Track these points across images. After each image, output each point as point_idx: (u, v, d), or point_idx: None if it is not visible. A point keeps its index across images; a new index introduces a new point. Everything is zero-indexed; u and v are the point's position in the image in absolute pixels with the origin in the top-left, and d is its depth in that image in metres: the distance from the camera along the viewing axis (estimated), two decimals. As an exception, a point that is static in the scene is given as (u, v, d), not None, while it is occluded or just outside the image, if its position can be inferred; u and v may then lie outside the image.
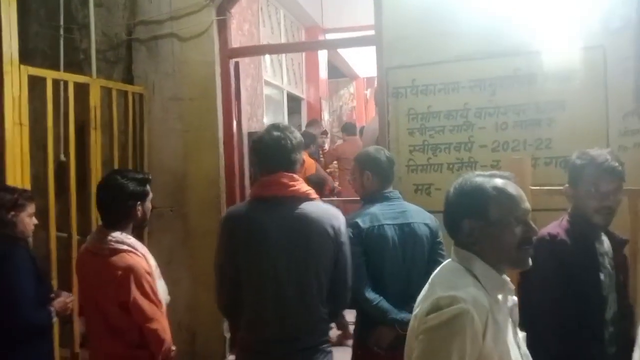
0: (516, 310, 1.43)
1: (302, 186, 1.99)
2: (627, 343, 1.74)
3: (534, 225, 1.38)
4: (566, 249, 1.88)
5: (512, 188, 1.38)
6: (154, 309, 2.09)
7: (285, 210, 1.94)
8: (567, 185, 2.03)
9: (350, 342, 2.95)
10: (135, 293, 2.04)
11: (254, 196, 2.04)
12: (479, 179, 1.40)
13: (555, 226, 1.97)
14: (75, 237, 3.19)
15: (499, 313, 1.32)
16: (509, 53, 3.03)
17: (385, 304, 2.20)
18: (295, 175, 1.99)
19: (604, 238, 1.98)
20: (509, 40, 3.01)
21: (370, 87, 10.63)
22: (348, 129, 6.37)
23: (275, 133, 1.98)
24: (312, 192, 2.01)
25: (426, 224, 2.33)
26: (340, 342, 3.85)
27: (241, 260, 1.96)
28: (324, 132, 7.06)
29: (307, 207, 1.96)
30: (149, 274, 2.12)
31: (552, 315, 1.84)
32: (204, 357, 3.71)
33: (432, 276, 1.44)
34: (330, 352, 2.02)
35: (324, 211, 1.99)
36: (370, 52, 3.47)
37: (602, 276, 1.90)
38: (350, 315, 4.45)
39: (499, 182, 1.39)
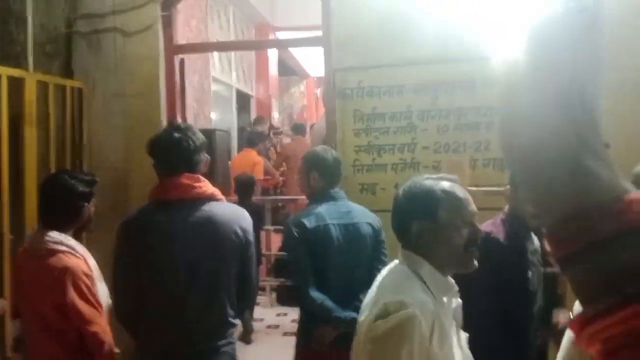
0: (460, 312, 1.46)
1: (207, 187, 1.95)
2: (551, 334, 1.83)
3: (479, 227, 1.41)
4: (498, 246, 1.96)
5: (460, 191, 1.41)
6: (93, 311, 2.03)
7: (189, 212, 1.89)
8: (507, 186, 2.11)
9: (252, 338, 2.92)
10: (72, 295, 1.98)
11: (154, 199, 1.97)
12: (427, 182, 1.42)
13: (489, 224, 2.05)
14: (7, 237, 3.04)
15: (444, 316, 1.35)
16: (452, 59, 3.11)
17: (329, 303, 2.22)
18: (200, 176, 1.95)
19: (533, 235, 2.08)
20: (454, 47, 3.08)
21: (321, 86, 10.69)
22: (297, 128, 6.42)
23: (176, 134, 1.93)
24: (218, 193, 1.98)
25: (369, 224, 2.37)
26: (243, 339, 3.84)
27: (143, 267, 1.90)
28: (277, 131, 7.03)
29: (213, 209, 1.93)
30: (88, 275, 2.06)
31: (487, 311, 1.91)
32: None
33: (379, 279, 1.45)
34: (234, 352, 2.01)
35: (231, 212, 1.98)
36: (321, 51, 3.49)
37: (529, 274, 1.99)
38: (295, 313, 4.49)
39: (446, 185, 1.41)
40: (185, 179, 1.91)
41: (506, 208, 2.12)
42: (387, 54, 3.20)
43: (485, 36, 3.06)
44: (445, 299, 1.39)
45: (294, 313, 4.49)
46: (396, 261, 1.46)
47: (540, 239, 2.09)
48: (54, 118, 3.42)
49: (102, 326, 2.06)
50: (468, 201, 1.41)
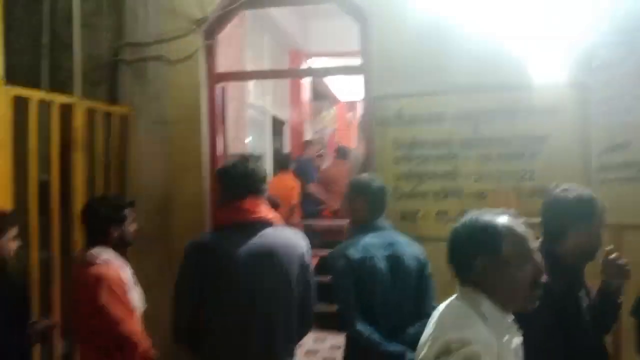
0: (520, 351, 1.42)
1: (268, 212, 2.03)
2: None
3: (541, 264, 1.37)
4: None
5: (521, 226, 1.38)
6: (125, 313, 2.22)
7: (252, 237, 1.95)
8: None
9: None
10: (104, 299, 2.19)
11: (219, 222, 2.09)
12: (488, 216, 1.39)
13: None
14: (57, 258, 3.11)
15: (506, 355, 1.31)
16: (494, 88, 3.11)
17: (376, 336, 2.19)
18: (262, 202, 2.04)
19: None
20: (495, 75, 3.08)
21: (351, 110, 10.75)
22: (341, 152, 6.35)
23: (250, 164, 2.05)
24: (278, 218, 2.06)
25: (416, 256, 2.34)
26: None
27: (207, 290, 1.95)
28: (320, 153, 7.00)
29: (274, 234, 1.99)
30: (121, 282, 2.27)
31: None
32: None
33: (437, 315, 1.41)
34: None
35: (291, 237, 2.04)
36: (353, 78, 3.51)
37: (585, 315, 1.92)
38: (333, 339, 4.43)
39: (507, 219, 1.38)
40: (247, 204, 1.98)
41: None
42: (427, 81, 3.21)
43: (526, 64, 3.07)
44: (506, 338, 1.35)
45: (332, 339, 4.46)
46: (453, 297, 1.43)
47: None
48: (101, 144, 3.51)
49: (135, 328, 2.26)
50: (530, 236, 1.38)
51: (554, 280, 1.66)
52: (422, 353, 1.35)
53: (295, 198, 5.64)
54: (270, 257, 1.94)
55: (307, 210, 5.87)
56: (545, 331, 1.68)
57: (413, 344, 1.46)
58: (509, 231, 1.35)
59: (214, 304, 1.95)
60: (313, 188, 5.99)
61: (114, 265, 2.31)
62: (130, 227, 2.46)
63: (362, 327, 2.20)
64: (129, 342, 2.22)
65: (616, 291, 1.94)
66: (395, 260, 2.30)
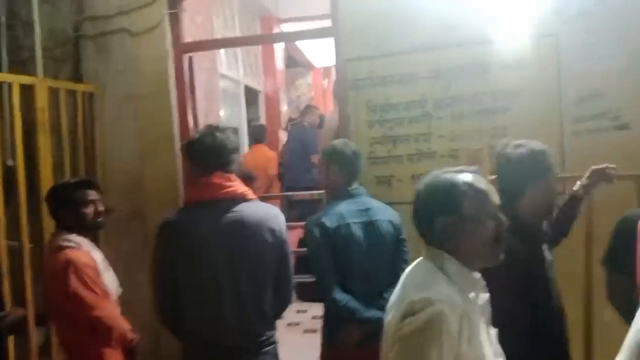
0: (488, 307, 1.43)
1: (239, 186, 1.97)
2: None
3: (504, 219, 1.38)
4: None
5: (483, 183, 1.38)
6: (96, 297, 2.19)
7: (223, 214, 1.90)
8: None
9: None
10: (74, 284, 2.16)
11: (189, 200, 2.02)
12: (448, 175, 1.39)
13: None
14: (27, 246, 3.05)
15: (472, 312, 1.32)
16: (464, 43, 3.05)
17: (353, 303, 2.20)
18: (232, 176, 1.96)
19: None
20: (465, 30, 3.03)
21: (327, 77, 10.62)
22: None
23: (217, 134, 1.96)
24: (250, 193, 1.99)
25: (390, 221, 2.34)
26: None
27: (180, 270, 1.92)
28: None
29: (246, 209, 1.94)
30: (90, 266, 2.24)
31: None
32: (168, 357, 3.64)
33: (403, 277, 1.42)
34: (276, 352, 2.03)
35: (264, 211, 1.98)
36: (327, 42, 3.44)
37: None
38: (315, 309, 4.47)
39: (468, 177, 1.38)
40: (217, 179, 1.92)
41: None
42: (397, 41, 3.14)
43: (496, 17, 3.03)
44: (472, 295, 1.36)
45: (313, 309, 4.49)
46: (420, 258, 1.44)
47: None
48: (66, 123, 3.41)
49: (108, 311, 2.24)
50: (492, 192, 1.38)
51: (516, 239, 1.67)
52: (390, 316, 1.36)
53: (273, 169, 5.60)
54: (241, 233, 1.90)
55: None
56: (511, 291, 1.69)
57: (389, 308, 1.46)
58: (469, 188, 1.36)
59: (187, 283, 1.93)
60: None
61: (82, 250, 2.28)
62: (89, 209, 2.36)
63: (339, 295, 2.21)
64: (103, 326, 2.21)
65: (583, 196, 2.06)
66: (370, 226, 2.30)
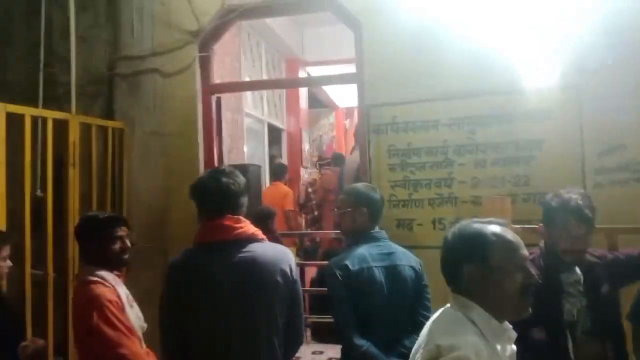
0: (514, 359, 1.42)
1: (248, 227, 1.95)
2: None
3: (533, 272, 1.38)
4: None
5: (510, 234, 1.39)
6: (119, 335, 2.13)
7: (234, 254, 1.89)
8: (541, 224, 2.09)
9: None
10: (97, 320, 2.11)
11: (198, 242, 1.97)
12: (477, 225, 1.40)
13: None
14: (51, 275, 3.11)
15: None
16: (487, 92, 3.11)
17: (373, 350, 2.16)
18: (241, 217, 1.95)
19: (576, 268, 2.05)
20: (488, 80, 3.09)
21: (349, 117, 10.75)
22: (337, 160, 6.34)
23: (223, 179, 1.95)
24: (259, 233, 1.98)
25: (412, 267, 2.32)
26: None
27: (189, 312, 1.90)
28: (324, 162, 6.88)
29: (256, 250, 1.92)
30: (113, 302, 2.18)
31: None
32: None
33: (429, 323, 1.42)
34: None
35: (273, 251, 1.96)
36: (351, 86, 3.51)
37: (566, 304, 2.00)
38: (331, 351, 4.41)
39: (497, 228, 1.39)
40: (227, 221, 1.92)
41: (541, 243, 2.12)
42: (420, 88, 3.22)
43: (518, 68, 3.07)
44: (499, 346, 1.35)
45: (329, 351, 4.43)
46: (447, 305, 1.43)
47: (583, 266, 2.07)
48: (96, 158, 3.51)
49: (131, 348, 2.15)
50: (519, 245, 1.38)
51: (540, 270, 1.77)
52: (415, 358, 1.35)
53: (289, 205, 5.65)
54: (252, 273, 1.88)
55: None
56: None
57: (409, 355, 1.46)
58: (497, 239, 1.37)
59: (197, 325, 1.90)
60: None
61: (107, 285, 2.24)
62: (117, 245, 2.34)
63: (358, 341, 2.17)
64: None
65: None
66: (392, 271, 2.28)
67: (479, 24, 3.12)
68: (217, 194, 1.93)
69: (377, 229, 2.40)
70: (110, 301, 2.17)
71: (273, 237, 4.26)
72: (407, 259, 2.35)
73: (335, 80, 3.71)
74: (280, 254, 1.97)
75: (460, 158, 3.16)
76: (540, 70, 3.03)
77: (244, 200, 1.98)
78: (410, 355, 1.41)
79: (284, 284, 1.92)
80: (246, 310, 1.87)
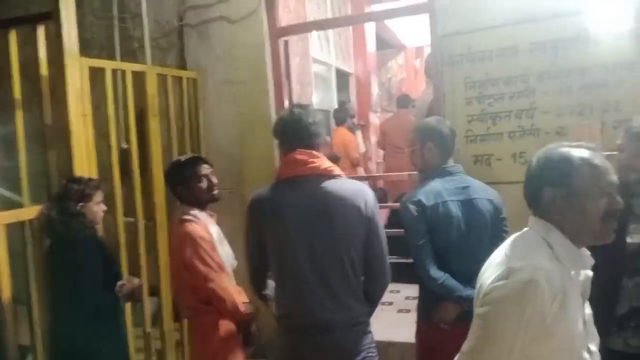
0: (588, 285, 1.38)
1: (322, 162, 1.90)
2: None
3: (619, 199, 1.31)
4: None
5: (599, 159, 1.32)
6: (208, 270, 2.27)
7: (307, 191, 1.87)
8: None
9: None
10: (190, 256, 2.26)
11: (277, 177, 1.98)
12: (564, 149, 1.35)
13: None
14: (141, 222, 3.30)
15: (570, 288, 1.28)
16: (571, 12, 2.86)
17: (451, 282, 2.15)
18: (314, 152, 1.91)
19: None
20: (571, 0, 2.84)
21: (419, 57, 10.37)
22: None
23: (296, 110, 1.95)
24: (335, 169, 1.92)
25: (490, 200, 2.25)
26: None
27: (269, 245, 1.95)
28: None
29: (330, 186, 1.87)
30: (205, 239, 2.31)
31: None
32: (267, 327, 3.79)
33: (505, 244, 1.39)
34: (366, 329, 1.96)
35: (350, 188, 1.90)
36: (419, 20, 3.36)
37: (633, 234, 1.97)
38: (408, 290, 4.44)
39: (585, 152, 1.33)
40: (298, 155, 1.90)
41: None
42: (497, 13, 3.02)
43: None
44: (573, 272, 1.31)
45: (406, 290, 4.47)
46: (526, 228, 1.40)
47: None
48: (174, 108, 3.62)
49: (220, 283, 2.28)
50: (607, 170, 1.31)
51: None
52: (484, 275, 1.35)
53: (353, 151, 5.58)
54: (325, 211, 1.85)
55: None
56: None
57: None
58: (583, 163, 1.31)
59: (276, 258, 1.94)
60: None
61: (200, 223, 2.36)
62: (203, 183, 2.44)
63: (436, 274, 2.16)
64: (216, 297, 2.27)
65: None
66: (469, 204, 2.22)
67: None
68: (288, 126, 1.94)
69: (451, 162, 2.33)
70: (201, 238, 2.30)
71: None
72: (484, 192, 2.28)
73: (405, 12, 3.54)
74: (356, 190, 1.91)
75: (542, 86, 2.97)
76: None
77: (316, 130, 1.93)
78: (482, 269, 1.39)
79: (363, 221, 1.88)
80: (318, 245, 1.86)
